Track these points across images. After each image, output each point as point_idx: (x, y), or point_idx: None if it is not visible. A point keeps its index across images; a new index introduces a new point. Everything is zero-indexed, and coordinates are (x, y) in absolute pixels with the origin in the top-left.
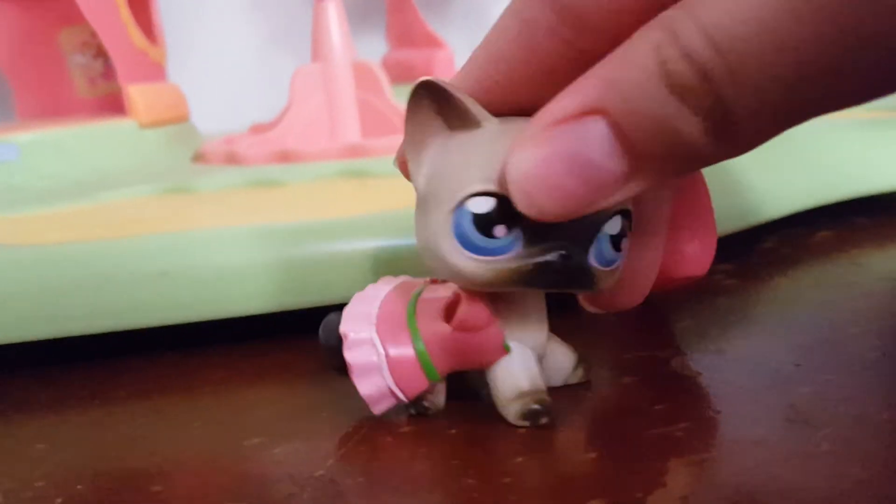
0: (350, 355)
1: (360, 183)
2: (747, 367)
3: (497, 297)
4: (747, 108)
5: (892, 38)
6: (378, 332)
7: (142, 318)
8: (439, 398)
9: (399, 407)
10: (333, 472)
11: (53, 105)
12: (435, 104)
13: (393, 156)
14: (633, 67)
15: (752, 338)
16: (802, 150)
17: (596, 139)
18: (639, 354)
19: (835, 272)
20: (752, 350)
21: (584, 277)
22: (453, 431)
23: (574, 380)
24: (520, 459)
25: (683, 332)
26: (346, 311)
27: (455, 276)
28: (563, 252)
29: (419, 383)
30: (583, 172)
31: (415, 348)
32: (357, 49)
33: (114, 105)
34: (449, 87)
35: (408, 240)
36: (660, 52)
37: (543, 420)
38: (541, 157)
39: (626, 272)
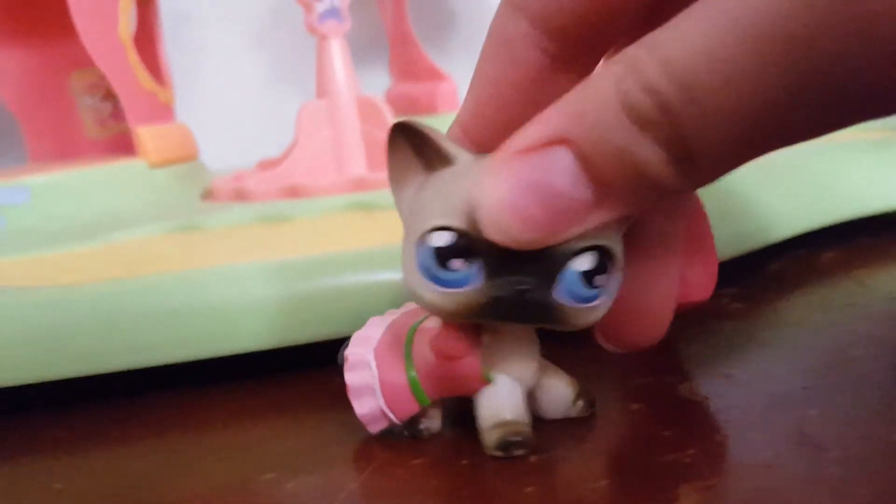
0: (348, 377)
1: (368, 215)
2: (755, 390)
3: (482, 328)
4: (706, 139)
5: (844, 73)
6: (376, 355)
7: (154, 356)
8: (434, 423)
9: (401, 433)
10: None
11: (63, 147)
12: (411, 145)
13: None
14: (596, 99)
15: (759, 361)
16: (806, 171)
17: (560, 168)
18: (646, 380)
19: (841, 293)
20: (760, 373)
21: (545, 313)
22: (464, 462)
23: (574, 413)
24: (530, 489)
25: (690, 357)
26: (356, 335)
27: (424, 306)
28: (521, 287)
29: (410, 407)
30: (548, 201)
31: (406, 374)
32: (361, 83)
33: (123, 146)
34: (422, 128)
35: None
36: (620, 85)
37: (518, 452)
38: (508, 185)
39: (640, 305)
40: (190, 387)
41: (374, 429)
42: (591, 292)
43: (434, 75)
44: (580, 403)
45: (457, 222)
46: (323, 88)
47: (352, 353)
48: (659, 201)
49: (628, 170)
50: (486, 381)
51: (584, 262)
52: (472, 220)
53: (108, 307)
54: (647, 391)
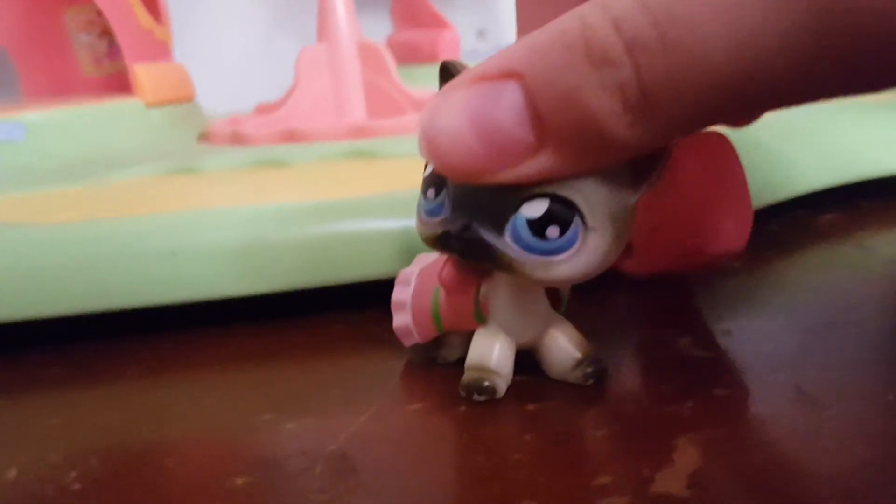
0: (395, 290)
1: (367, 163)
2: (754, 347)
3: (482, 271)
4: (670, 86)
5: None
6: (419, 275)
7: (150, 296)
8: (453, 352)
9: (424, 355)
10: (345, 448)
11: (58, 84)
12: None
13: (398, 136)
14: (558, 33)
15: (759, 319)
16: (808, 133)
17: (508, 104)
18: (645, 335)
19: (841, 255)
20: (758, 331)
21: (489, 255)
22: (462, 409)
23: (571, 379)
24: (528, 437)
25: (690, 313)
26: (420, 254)
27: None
28: (464, 223)
29: (429, 331)
30: (488, 135)
31: (431, 301)
32: (362, 29)
33: (118, 85)
34: (463, 65)
35: (413, 220)
36: (587, 19)
37: (479, 398)
38: (454, 110)
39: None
40: (187, 329)
41: (406, 343)
42: (543, 244)
43: (436, 22)
44: (579, 371)
45: None
46: (324, 32)
47: (405, 269)
48: (607, 160)
49: (575, 117)
50: (477, 322)
51: (533, 210)
52: None
53: (104, 246)
54: (647, 345)
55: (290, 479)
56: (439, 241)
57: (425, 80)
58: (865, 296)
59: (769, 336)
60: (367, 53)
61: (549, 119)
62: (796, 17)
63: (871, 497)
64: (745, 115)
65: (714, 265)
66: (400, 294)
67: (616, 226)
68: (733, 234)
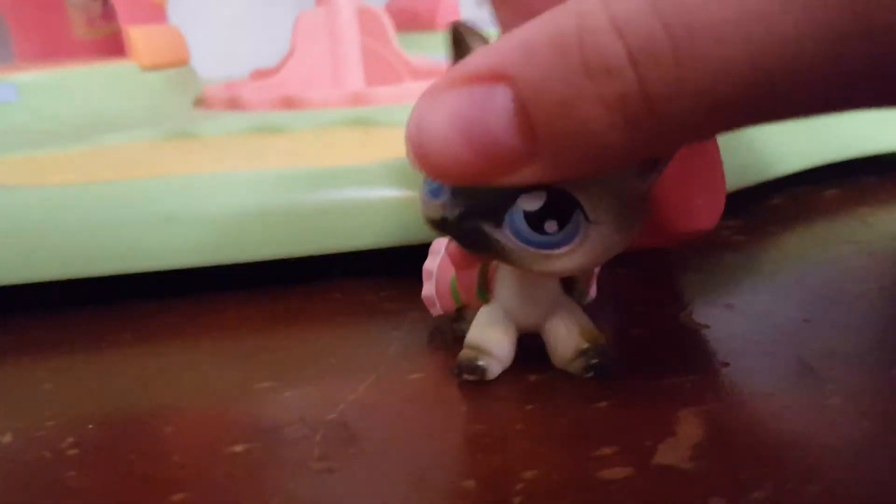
0: (427, 261)
1: (365, 131)
2: (755, 321)
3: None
4: (681, 98)
5: None
6: (447, 247)
7: (145, 262)
8: (467, 326)
9: (447, 326)
10: (345, 416)
11: (51, 46)
12: (455, 44)
13: (397, 104)
14: (552, 34)
15: (761, 293)
16: None
17: (497, 109)
18: (648, 308)
19: (842, 230)
20: (761, 305)
21: (487, 245)
22: (456, 373)
23: (571, 370)
24: (529, 407)
25: (692, 286)
26: None
27: None
28: (462, 211)
29: (449, 303)
30: (478, 142)
31: (451, 273)
32: None
33: (112, 47)
34: (464, 30)
35: (411, 190)
36: (586, 20)
37: (469, 377)
38: (441, 114)
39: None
40: (183, 296)
41: (433, 313)
42: (542, 238)
43: None
44: (579, 363)
45: None
46: None
47: (439, 239)
48: (604, 169)
49: (568, 127)
50: (479, 299)
51: (531, 202)
52: None
53: (98, 209)
54: (649, 318)
55: (290, 447)
56: (438, 226)
57: (423, 47)
58: (867, 270)
59: (771, 309)
60: (366, 19)
61: (542, 128)
62: (835, 20)
63: (873, 469)
64: (758, 124)
65: (687, 243)
66: (429, 264)
67: (623, 215)
68: (704, 212)
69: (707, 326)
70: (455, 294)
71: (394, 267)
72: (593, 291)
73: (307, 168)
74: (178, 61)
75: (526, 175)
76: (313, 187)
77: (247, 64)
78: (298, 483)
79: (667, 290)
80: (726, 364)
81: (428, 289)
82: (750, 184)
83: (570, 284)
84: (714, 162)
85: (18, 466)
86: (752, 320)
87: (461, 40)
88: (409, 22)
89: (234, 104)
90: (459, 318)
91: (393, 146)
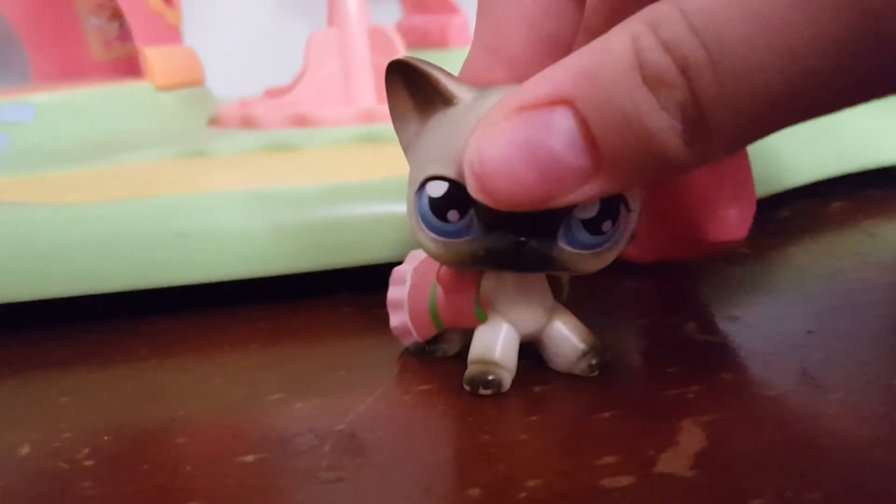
0: (390, 290)
1: (376, 148)
2: (760, 332)
3: (486, 272)
4: (725, 105)
5: None
6: (414, 273)
7: (157, 278)
8: (452, 346)
9: (423, 350)
10: (354, 427)
11: (68, 67)
12: (409, 83)
13: None
14: (608, 57)
15: (766, 305)
16: (817, 121)
17: (560, 131)
18: (653, 319)
19: (848, 242)
20: (765, 316)
21: (546, 262)
22: (469, 390)
23: (577, 371)
24: (534, 418)
25: (697, 298)
26: (413, 251)
27: (426, 252)
28: (521, 239)
29: (428, 329)
30: (542, 165)
31: (429, 299)
32: (372, 14)
33: (128, 68)
34: (420, 66)
35: None
36: (638, 42)
37: (485, 391)
38: (501, 143)
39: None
40: (196, 311)
41: (404, 342)
42: (599, 239)
43: (446, 8)
44: (584, 363)
45: (452, 172)
46: (334, 17)
47: (398, 268)
48: (662, 178)
49: (633, 139)
50: (479, 319)
51: (589, 210)
52: None
53: (113, 226)
54: (654, 329)
55: (300, 457)
56: (484, 260)
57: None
58: (872, 282)
59: (776, 321)
60: (376, 38)
61: (606, 143)
62: (843, 24)
63: (874, 479)
64: (796, 124)
65: (717, 253)
66: (395, 293)
67: (638, 197)
68: (735, 223)
69: (712, 338)
70: (437, 320)
71: None
72: None
73: (318, 184)
74: (193, 81)
75: (586, 191)
76: (324, 203)
77: (262, 82)
78: (308, 492)
79: (672, 301)
80: (730, 375)
81: (399, 319)
82: (757, 197)
83: (557, 288)
84: (745, 173)
85: (36, 477)
86: (756, 332)
87: (415, 71)
88: (420, 40)
89: (247, 122)
90: (439, 340)
91: (403, 162)
